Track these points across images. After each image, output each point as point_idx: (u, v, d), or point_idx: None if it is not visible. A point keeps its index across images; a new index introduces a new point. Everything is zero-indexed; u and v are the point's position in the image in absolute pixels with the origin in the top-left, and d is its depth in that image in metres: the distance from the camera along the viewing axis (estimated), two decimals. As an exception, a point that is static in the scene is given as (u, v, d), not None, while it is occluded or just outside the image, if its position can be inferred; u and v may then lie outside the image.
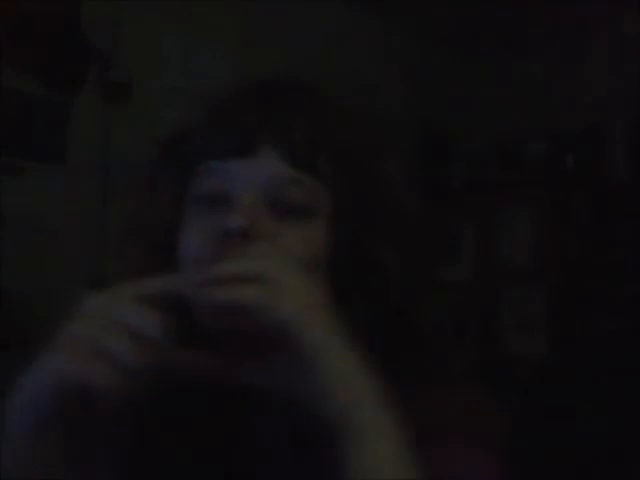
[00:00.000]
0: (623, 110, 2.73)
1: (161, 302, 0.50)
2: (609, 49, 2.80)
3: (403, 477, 0.48)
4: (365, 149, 0.65)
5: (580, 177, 2.73)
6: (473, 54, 3.08)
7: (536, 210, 2.75)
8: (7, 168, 2.01)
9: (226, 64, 2.45)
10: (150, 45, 2.34)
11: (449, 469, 0.55)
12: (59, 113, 2.13)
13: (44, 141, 2.10)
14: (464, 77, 3.08)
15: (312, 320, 0.51)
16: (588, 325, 2.53)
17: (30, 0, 2.07)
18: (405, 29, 2.97)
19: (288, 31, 2.60)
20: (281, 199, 0.58)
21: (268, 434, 0.62)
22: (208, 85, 2.37)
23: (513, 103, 3.07)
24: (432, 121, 2.99)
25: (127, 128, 2.25)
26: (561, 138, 2.82)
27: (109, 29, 2.21)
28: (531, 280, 2.72)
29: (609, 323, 2.49)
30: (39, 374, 0.50)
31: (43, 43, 2.09)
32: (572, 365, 2.47)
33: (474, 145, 3.04)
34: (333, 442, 0.50)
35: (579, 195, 2.69)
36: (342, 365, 0.51)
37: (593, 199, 2.66)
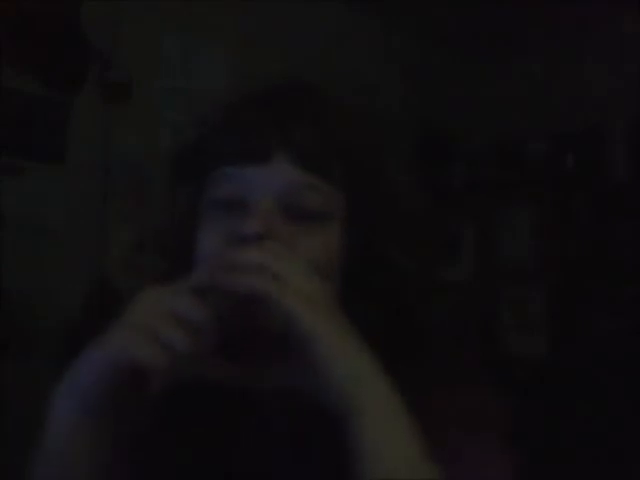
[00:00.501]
0: (623, 110, 2.73)
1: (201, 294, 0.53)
2: (609, 49, 2.80)
3: (413, 459, 0.49)
4: (370, 150, 0.65)
5: (580, 177, 2.73)
6: (473, 54, 3.08)
7: (536, 210, 2.75)
8: (7, 168, 2.01)
9: (226, 64, 2.46)
10: (150, 45, 2.34)
11: (449, 469, 0.55)
12: (59, 113, 2.13)
13: (44, 141, 2.10)
14: (464, 77, 3.08)
15: (314, 313, 0.52)
16: (588, 325, 2.53)
17: (30, 0, 2.07)
18: (405, 29, 2.97)
19: (288, 31, 2.60)
20: (296, 204, 0.59)
21: (269, 434, 0.62)
22: (208, 85, 2.38)
23: (513, 103, 3.07)
24: (432, 121, 2.99)
25: (127, 128, 2.25)
26: (561, 138, 2.82)
27: (109, 29, 2.21)
28: (531, 280, 2.73)
29: (609, 323, 2.49)
30: (94, 358, 0.53)
31: (43, 43, 2.09)
32: (572, 365, 2.47)
33: (474, 145, 3.04)
34: (338, 436, 0.51)
35: (579, 195, 2.69)
36: (343, 352, 0.52)
37: (593, 199, 2.66)
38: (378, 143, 0.67)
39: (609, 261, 2.56)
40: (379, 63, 2.89)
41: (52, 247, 2.07)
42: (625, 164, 2.70)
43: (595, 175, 2.72)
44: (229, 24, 2.48)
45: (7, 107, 2.01)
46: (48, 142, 2.11)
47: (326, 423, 0.52)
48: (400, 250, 0.63)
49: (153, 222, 0.71)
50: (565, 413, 2.36)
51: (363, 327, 0.54)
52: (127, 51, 2.26)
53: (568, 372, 2.46)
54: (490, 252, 2.87)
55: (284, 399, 0.57)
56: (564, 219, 2.68)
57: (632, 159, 2.68)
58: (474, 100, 3.08)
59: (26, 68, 2.06)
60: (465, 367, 0.67)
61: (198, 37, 2.44)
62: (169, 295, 0.53)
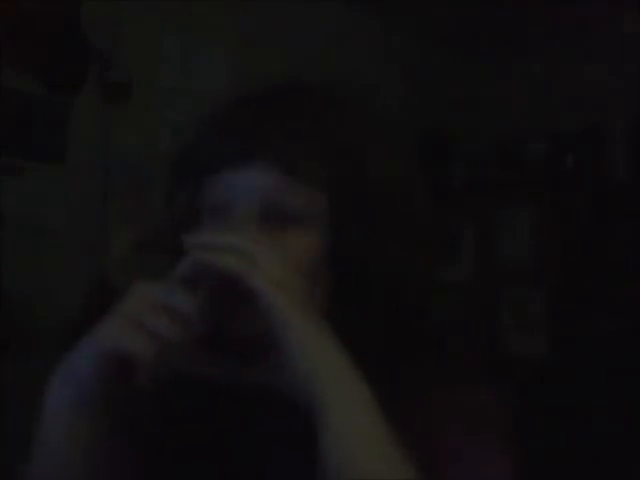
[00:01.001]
0: (623, 110, 2.73)
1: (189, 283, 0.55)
2: (609, 49, 2.80)
3: (384, 456, 0.49)
4: (361, 150, 0.64)
5: (580, 177, 2.73)
6: (473, 54, 3.08)
7: (536, 210, 2.75)
8: (7, 168, 2.01)
9: (226, 64, 2.46)
10: (150, 45, 2.34)
11: (449, 469, 0.55)
12: (59, 113, 2.13)
13: (44, 141, 2.10)
14: (464, 77, 3.08)
15: (286, 300, 0.53)
16: (588, 325, 2.53)
17: (30, 0, 2.07)
18: (405, 29, 2.97)
19: (288, 31, 2.60)
20: (277, 207, 0.60)
21: (270, 434, 0.62)
22: (208, 85, 2.38)
23: (513, 103, 3.07)
24: (432, 121, 2.99)
25: (127, 128, 2.25)
26: (561, 138, 2.82)
27: (109, 29, 2.21)
28: (531, 280, 2.73)
29: (609, 323, 2.49)
30: (85, 348, 0.54)
31: (43, 43, 2.09)
32: (572, 365, 2.47)
33: (474, 145, 3.04)
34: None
35: (579, 195, 2.69)
36: (311, 342, 0.52)
37: (593, 199, 2.66)
38: (376, 142, 0.66)
39: (609, 261, 2.56)
40: (379, 63, 2.89)
41: (52, 247, 2.07)
42: (625, 164, 2.69)
43: (595, 175, 2.72)
44: (229, 24, 2.48)
45: (7, 107, 2.01)
46: (48, 142, 2.11)
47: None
48: (394, 249, 0.63)
49: (153, 222, 0.72)
50: (565, 413, 2.36)
51: (363, 327, 0.54)
52: (127, 51, 2.26)
53: (568, 372, 2.46)
54: (490, 252, 2.87)
55: (278, 398, 0.57)
56: (564, 219, 2.68)
57: (632, 159, 2.68)
58: (474, 100, 3.07)
59: (26, 68, 2.06)
60: (465, 367, 0.67)
61: (198, 37, 2.44)
62: (158, 287, 0.54)
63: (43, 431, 0.55)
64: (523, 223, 2.77)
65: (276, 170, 0.60)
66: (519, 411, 0.66)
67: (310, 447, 0.51)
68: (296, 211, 0.60)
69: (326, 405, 0.50)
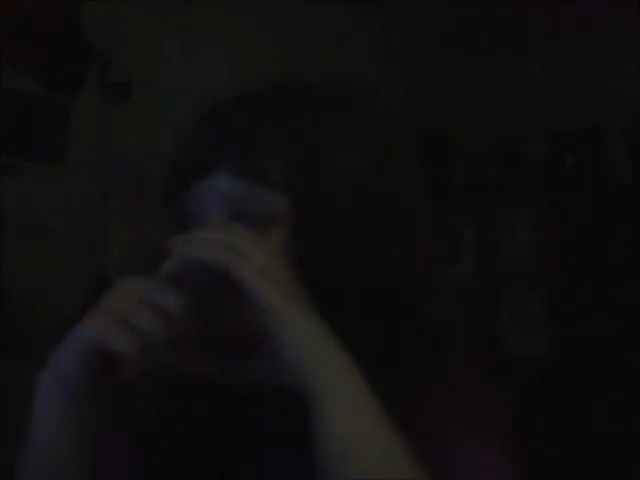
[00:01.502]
0: (623, 110, 2.73)
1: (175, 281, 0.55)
2: (609, 49, 2.80)
3: (383, 442, 0.49)
4: (327, 146, 0.63)
5: (580, 177, 2.73)
6: (473, 54, 3.08)
7: (536, 210, 2.75)
8: (7, 168, 2.01)
9: (226, 64, 2.46)
10: (150, 45, 2.34)
11: (450, 469, 0.55)
12: (59, 113, 2.13)
13: (44, 141, 2.10)
14: (464, 77, 3.08)
15: (273, 288, 0.53)
16: (588, 325, 2.53)
17: (30, 0, 2.07)
18: (405, 29, 2.97)
19: (288, 31, 2.61)
20: (239, 212, 0.61)
21: (265, 432, 0.62)
22: (208, 85, 2.38)
23: (513, 103, 3.07)
24: (432, 121, 2.99)
25: (127, 128, 2.25)
26: (561, 138, 2.82)
27: (109, 29, 2.21)
28: (531, 280, 2.72)
29: (609, 323, 2.49)
30: (69, 343, 0.54)
31: (43, 43, 2.09)
32: (572, 365, 2.47)
33: (474, 145, 3.04)
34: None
35: (579, 195, 2.69)
36: (301, 329, 0.52)
37: (593, 199, 2.66)
38: (373, 140, 0.66)
39: (609, 261, 2.56)
40: (379, 63, 2.89)
41: (52, 247, 2.07)
42: (625, 164, 2.69)
43: (595, 175, 2.72)
44: (229, 24, 2.48)
45: (7, 107, 2.01)
46: (48, 142, 2.11)
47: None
48: (390, 248, 0.62)
49: (153, 222, 0.72)
50: (565, 413, 2.36)
51: (363, 328, 0.54)
52: (127, 51, 2.26)
53: (568, 372, 2.46)
54: (490, 252, 2.86)
55: (274, 394, 0.57)
56: (564, 219, 2.68)
57: (632, 159, 2.68)
58: (474, 100, 3.07)
59: (26, 68, 2.06)
60: (465, 367, 0.67)
61: (198, 37, 2.44)
62: (143, 283, 0.54)
63: (32, 427, 0.55)
64: (523, 223, 2.77)
65: (235, 176, 0.61)
66: (519, 411, 0.66)
67: (306, 445, 0.51)
68: (256, 213, 0.60)
69: (320, 390, 0.51)
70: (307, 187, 0.61)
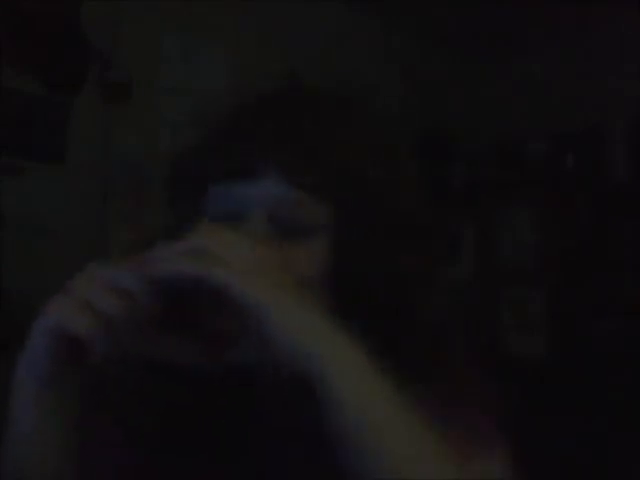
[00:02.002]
0: (623, 110, 2.73)
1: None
2: (609, 49, 2.80)
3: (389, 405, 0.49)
4: (366, 158, 0.63)
5: (580, 177, 2.73)
6: (473, 54, 3.08)
7: (536, 210, 2.75)
8: (7, 168, 2.01)
9: (226, 64, 2.46)
10: (150, 45, 2.34)
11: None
12: (59, 113, 2.13)
13: (44, 141, 2.10)
14: (464, 77, 3.08)
15: (251, 279, 0.52)
16: (588, 325, 2.53)
17: (30, 0, 2.07)
18: (405, 29, 2.97)
19: (288, 31, 2.60)
20: (283, 220, 0.60)
21: (273, 428, 0.62)
22: (208, 85, 2.38)
23: (513, 103, 3.07)
24: (432, 121, 2.99)
25: (127, 128, 2.25)
26: (561, 138, 2.82)
27: (109, 29, 2.21)
28: (531, 280, 2.73)
29: (609, 323, 2.49)
30: (35, 327, 0.54)
31: (43, 43, 2.09)
32: (572, 365, 2.47)
33: (474, 145, 3.04)
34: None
35: (579, 195, 2.69)
36: (291, 317, 0.51)
37: (593, 199, 2.66)
38: (377, 145, 0.66)
39: (609, 261, 2.56)
40: (379, 63, 2.89)
41: (52, 247, 2.07)
42: (625, 164, 2.69)
43: (595, 175, 2.72)
44: (229, 24, 2.48)
45: (7, 107, 2.01)
46: (48, 142, 2.11)
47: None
48: (401, 252, 0.63)
49: (153, 222, 0.71)
50: (565, 413, 2.36)
51: (362, 328, 0.54)
52: (127, 51, 2.26)
53: (568, 372, 2.46)
54: (490, 252, 2.87)
55: (283, 391, 0.57)
56: (564, 219, 2.68)
57: (632, 159, 2.68)
58: (474, 100, 3.07)
59: (26, 68, 2.06)
60: (465, 367, 0.67)
61: (198, 37, 2.44)
62: (109, 269, 0.55)
63: (12, 412, 0.55)
64: (523, 223, 2.78)
65: (281, 181, 0.60)
66: (519, 411, 0.66)
67: (302, 437, 0.51)
68: (300, 222, 0.60)
69: (323, 370, 0.50)
70: (348, 197, 0.61)
